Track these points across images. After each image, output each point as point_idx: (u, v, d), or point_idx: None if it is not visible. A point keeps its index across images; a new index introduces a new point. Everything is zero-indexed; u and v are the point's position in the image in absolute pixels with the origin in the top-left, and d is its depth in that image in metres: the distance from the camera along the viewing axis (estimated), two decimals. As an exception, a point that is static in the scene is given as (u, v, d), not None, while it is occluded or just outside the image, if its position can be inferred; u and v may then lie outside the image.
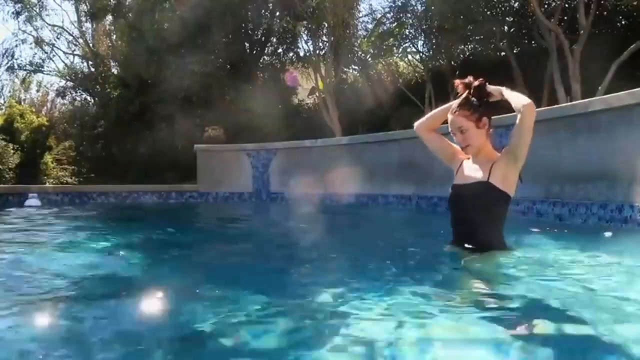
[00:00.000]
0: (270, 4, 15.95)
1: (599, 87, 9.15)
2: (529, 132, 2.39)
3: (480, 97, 2.50)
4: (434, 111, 2.80)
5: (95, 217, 6.92)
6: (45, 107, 22.19)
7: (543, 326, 1.50)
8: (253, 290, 2.03)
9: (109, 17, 17.97)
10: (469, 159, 2.62)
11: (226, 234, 4.98)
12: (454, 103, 2.56)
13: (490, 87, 2.49)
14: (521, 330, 1.46)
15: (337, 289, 1.98)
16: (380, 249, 3.34)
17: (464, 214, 2.53)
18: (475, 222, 2.48)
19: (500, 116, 5.89)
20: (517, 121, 2.39)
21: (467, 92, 2.54)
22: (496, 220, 2.49)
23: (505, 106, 2.55)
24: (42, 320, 1.67)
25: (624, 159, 4.17)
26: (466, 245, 2.49)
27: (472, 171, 2.54)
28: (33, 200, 8.20)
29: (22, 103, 20.72)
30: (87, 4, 18.04)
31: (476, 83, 2.52)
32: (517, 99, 2.41)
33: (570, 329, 1.49)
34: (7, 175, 14.58)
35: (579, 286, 2.03)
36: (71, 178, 16.80)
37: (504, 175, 2.42)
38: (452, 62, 13.31)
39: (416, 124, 2.84)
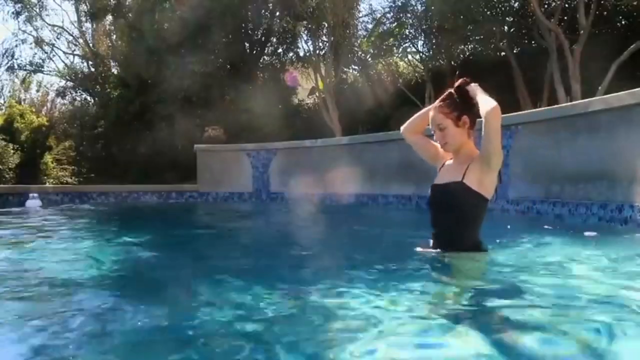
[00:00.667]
0: (270, 4, 15.96)
1: (599, 87, 9.15)
2: (496, 137, 2.34)
3: (461, 96, 2.49)
4: (417, 114, 2.80)
5: (95, 217, 6.92)
6: (45, 107, 22.18)
7: (512, 326, 1.52)
8: (252, 289, 2.03)
9: (109, 17, 17.97)
10: (451, 159, 2.61)
11: (226, 233, 4.98)
12: (436, 102, 2.57)
13: (470, 86, 2.47)
14: (491, 328, 1.48)
15: (334, 289, 1.98)
16: (371, 247, 3.34)
17: (440, 214, 2.53)
18: (451, 223, 2.46)
19: (502, 116, 5.90)
20: (483, 127, 2.35)
21: (449, 90, 2.54)
22: (472, 221, 2.47)
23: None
24: (42, 319, 1.67)
25: (624, 159, 4.17)
26: (442, 246, 2.50)
27: (449, 171, 2.53)
28: (34, 201, 8.20)
29: (22, 103, 20.71)
30: (87, 4, 18.05)
31: (458, 82, 2.53)
32: (484, 103, 2.36)
33: (532, 330, 1.49)
34: (7, 175, 14.57)
35: (549, 287, 2.04)
36: (71, 178, 16.80)
37: (479, 179, 2.39)
38: (452, 62, 13.31)
39: (402, 127, 2.84)
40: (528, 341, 1.35)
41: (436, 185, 2.57)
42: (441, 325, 1.50)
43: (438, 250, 2.51)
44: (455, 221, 2.45)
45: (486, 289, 2.07)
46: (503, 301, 1.85)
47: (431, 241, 2.58)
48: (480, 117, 2.41)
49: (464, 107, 2.48)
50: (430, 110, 2.55)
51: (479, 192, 2.40)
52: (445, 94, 2.54)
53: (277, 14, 16.04)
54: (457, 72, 12.74)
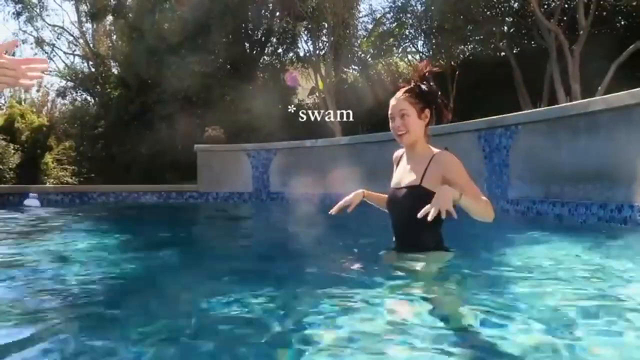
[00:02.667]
0: (270, 4, 15.97)
1: (599, 87, 9.16)
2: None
3: (426, 89, 2.47)
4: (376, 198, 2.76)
5: (95, 217, 6.92)
6: (45, 107, 22.18)
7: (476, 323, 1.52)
8: (251, 288, 2.04)
9: (109, 17, 17.99)
10: (401, 156, 2.60)
11: (225, 233, 4.98)
12: (399, 93, 2.49)
13: (446, 189, 2.20)
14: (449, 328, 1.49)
15: (333, 289, 1.99)
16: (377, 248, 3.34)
17: (399, 217, 2.51)
18: (410, 225, 2.38)
19: (502, 116, 5.90)
20: (464, 200, 2.22)
21: (415, 81, 2.52)
22: (432, 222, 2.34)
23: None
24: (41, 319, 1.67)
25: (624, 159, 4.17)
26: (404, 248, 2.49)
27: (405, 173, 2.50)
28: (32, 200, 8.20)
29: (23, 103, 20.71)
30: (88, 4, 18.07)
31: (423, 72, 2.53)
32: (478, 209, 2.28)
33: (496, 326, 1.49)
34: (7, 175, 14.58)
35: (511, 285, 2.06)
36: (71, 178, 16.80)
37: (437, 182, 2.34)
38: (452, 62, 13.31)
39: (363, 192, 2.77)
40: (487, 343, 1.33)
41: (393, 189, 2.55)
42: (401, 330, 1.48)
43: (399, 252, 2.51)
44: (415, 223, 2.28)
45: (445, 289, 2.06)
46: (458, 302, 1.84)
47: (393, 244, 2.58)
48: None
49: (429, 100, 2.47)
50: (392, 100, 2.50)
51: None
52: (411, 85, 2.50)
53: (277, 14, 16.05)
54: (457, 73, 12.77)
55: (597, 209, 4.33)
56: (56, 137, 18.21)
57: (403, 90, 2.49)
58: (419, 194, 2.34)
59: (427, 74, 2.52)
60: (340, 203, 2.70)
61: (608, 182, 4.29)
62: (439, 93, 2.53)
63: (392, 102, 2.49)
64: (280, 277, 2.38)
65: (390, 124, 2.49)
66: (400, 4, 13.18)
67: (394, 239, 2.58)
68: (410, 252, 2.46)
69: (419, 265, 2.37)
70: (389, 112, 2.49)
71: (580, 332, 1.42)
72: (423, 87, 2.47)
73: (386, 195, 2.68)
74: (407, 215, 2.37)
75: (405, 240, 2.51)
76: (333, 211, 2.68)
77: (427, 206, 2.09)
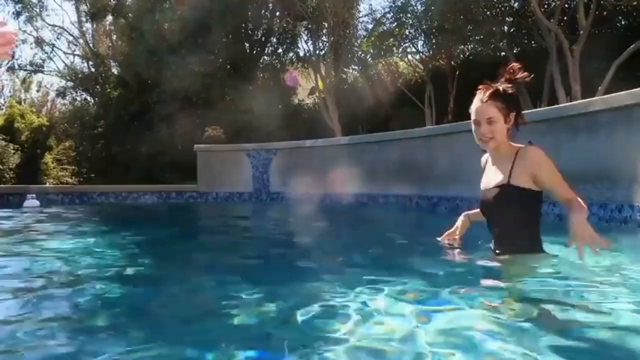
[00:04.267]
0: (270, 4, 15.98)
1: (599, 87, 9.15)
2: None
3: (511, 93, 2.35)
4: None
5: (95, 217, 6.92)
6: (45, 107, 22.22)
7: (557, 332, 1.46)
8: (250, 288, 2.03)
9: (109, 17, 18.01)
10: (487, 162, 2.54)
11: (225, 233, 4.98)
12: (483, 93, 2.36)
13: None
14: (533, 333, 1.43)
15: (335, 289, 1.98)
16: (376, 248, 3.34)
17: (492, 219, 2.46)
18: (504, 226, 2.39)
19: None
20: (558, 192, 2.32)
21: (503, 83, 2.37)
22: (527, 221, 2.37)
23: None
24: (41, 319, 1.67)
25: (624, 159, 4.17)
26: (501, 250, 2.40)
27: (493, 174, 2.44)
28: (32, 202, 8.20)
29: (23, 103, 20.74)
30: (87, 4, 18.08)
31: (511, 77, 2.38)
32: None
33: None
34: (7, 175, 14.59)
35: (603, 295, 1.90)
36: (71, 178, 16.83)
37: (526, 177, 2.30)
38: (452, 62, 13.32)
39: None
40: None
41: (483, 192, 2.50)
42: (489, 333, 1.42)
43: (496, 252, 2.43)
44: (507, 222, 2.36)
45: (539, 296, 1.87)
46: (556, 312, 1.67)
47: (492, 243, 2.51)
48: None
49: (514, 104, 2.37)
50: (476, 101, 2.37)
51: (529, 189, 2.31)
52: (493, 88, 2.35)
53: (277, 14, 16.06)
54: (457, 73, 12.77)
55: (597, 209, 4.32)
56: (56, 137, 18.24)
57: (488, 93, 2.34)
58: (508, 193, 2.31)
59: (517, 79, 2.41)
60: (450, 234, 2.74)
61: (608, 182, 4.28)
62: (517, 98, 2.42)
63: (477, 104, 2.37)
64: (279, 275, 2.37)
65: (474, 128, 2.38)
66: (400, 4, 13.18)
67: (492, 243, 2.51)
68: (506, 253, 2.37)
69: (507, 267, 2.31)
70: (473, 116, 2.38)
71: None
72: (509, 90, 2.35)
73: None
74: (499, 216, 2.38)
75: (502, 241, 2.43)
76: (444, 240, 2.73)
77: (575, 243, 2.02)
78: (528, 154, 2.33)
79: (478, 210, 2.73)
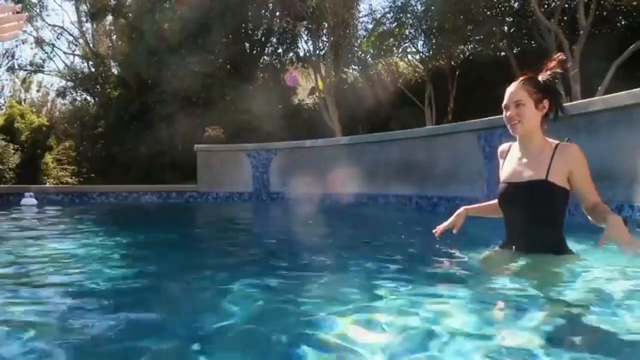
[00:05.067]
0: (270, 4, 15.98)
1: (599, 88, 9.15)
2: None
3: (549, 82, 2.29)
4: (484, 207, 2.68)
5: (95, 217, 6.91)
6: (45, 107, 22.22)
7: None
8: (250, 288, 2.03)
9: (109, 17, 18.01)
10: (510, 148, 2.44)
11: (225, 233, 4.97)
12: (517, 82, 2.30)
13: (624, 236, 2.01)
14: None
15: (335, 289, 1.98)
16: (376, 248, 3.34)
17: (520, 215, 2.31)
18: (534, 223, 2.27)
19: (502, 116, 5.90)
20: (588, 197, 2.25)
21: (544, 73, 2.32)
22: (557, 219, 2.29)
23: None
24: (41, 319, 1.67)
25: (624, 159, 4.17)
26: (523, 248, 2.31)
27: (524, 166, 2.30)
28: (29, 200, 8.21)
29: (23, 103, 20.74)
30: (87, 4, 18.08)
31: (552, 63, 2.31)
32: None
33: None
34: (7, 175, 14.59)
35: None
36: (71, 178, 16.82)
37: (562, 175, 2.24)
38: (452, 62, 13.32)
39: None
40: None
41: (509, 185, 2.34)
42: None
43: (516, 250, 2.33)
44: (538, 220, 2.25)
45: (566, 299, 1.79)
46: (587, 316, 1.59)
47: (505, 241, 2.41)
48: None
49: (549, 91, 2.29)
50: (509, 88, 2.30)
51: (564, 187, 2.24)
52: (530, 74, 2.30)
53: (277, 14, 16.06)
54: (457, 73, 12.77)
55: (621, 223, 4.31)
56: (56, 137, 18.23)
57: (522, 78, 2.30)
58: (545, 189, 2.20)
59: (558, 72, 2.31)
60: (445, 225, 2.61)
61: (608, 182, 4.28)
62: (558, 91, 2.34)
63: (509, 89, 2.30)
64: (279, 274, 2.37)
65: (504, 113, 2.32)
66: (400, 4, 13.18)
67: (506, 238, 2.40)
68: (531, 252, 2.28)
69: (533, 265, 2.22)
70: (504, 101, 2.31)
71: None
72: (545, 77, 2.29)
73: (490, 203, 2.58)
74: (531, 212, 2.25)
75: (527, 239, 2.29)
76: (437, 233, 2.60)
77: (618, 246, 1.97)
78: (569, 150, 2.27)
79: (479, 205, 2.69)
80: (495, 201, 2.49)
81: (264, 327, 1.53)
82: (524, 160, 2.32)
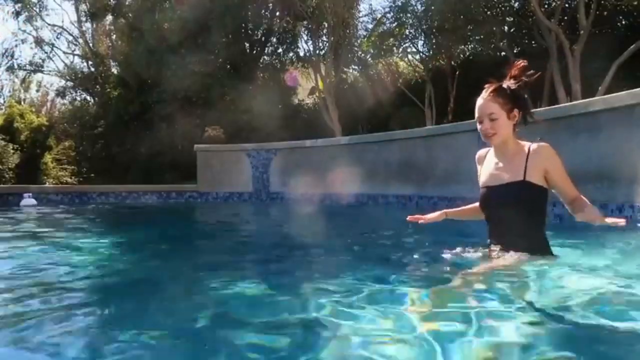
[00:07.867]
0: (270, 4, 15.97)
1: (599, 87, 9.15)
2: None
3: (515, 90, 2.35)
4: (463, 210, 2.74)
5: (95, 217, 6.91)
6: (45, 107, 22.22)
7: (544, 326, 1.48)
8: (250, 287, 2.03)
9: (109, 17, 18.00)
10: (485, 157, 2.52)
11: (225, 233, 4.97)
12: (485, 90, 2.39)
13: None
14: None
15: (335, 289, 1.98)
16: (376, 248, 3.34)
17: (503, 215, 2.40)
18: (517, 222, 2.36)
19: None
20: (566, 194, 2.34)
21: (502, 83, 2.38)
22: (537, 219, 2.38)
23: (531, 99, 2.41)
24: (41, 319, 1.67)
25: (624, 159, 4.17)
26: (506, 246, 2.36)
27: (502, 170, 2.41)
28: (28, 200, 8.21)
29: (22, 103, 20.73)
30: (87, 3, 18.06)
31: (515, 71, 2.38)
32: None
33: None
34: (7, 175, 14.58)
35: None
36: (71, 178, 16.81)
37: (539, 175, 2.32)
38: (452, 62, 13.32)
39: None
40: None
41: (491, 188, 2.44)
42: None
43: (498, 249, 2.39)
44: (520, 219, 2.34)
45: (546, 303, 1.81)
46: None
47: (489, 242, 2.47)
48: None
49: (517, 100, 2.36)
50: (479, 99, 2.39)
51: (542, 185, 2.32)
52: (496, 85, 2.38)
53: (277, 14, 16.05)
54: (457, 73, 12.76)
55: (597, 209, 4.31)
56: (56, 137, 18.22)
57: (490, 90, 2.37)
58: (524, 189, 2.31)
59: (523, 77, 2.38)
60: (422, 219, 2.69)
61: (608, 182, 4.28)
62: (526, 96, 2.40)
63: (479, 102, 2.39)
64: (279, 274, 2.37)
65: (478, 126, 2.40)
66: (400, 4, 13.18)
67: (489, 239, 2.47)
68: (513, 251, 2.34)
69: (516, 263, 2.27)
70: (476, 113, 2.40)
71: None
72: (512, 87, 2.35)
73: (469, 206, 2.66)
74: (511, 213, 2.35)
75: (508, 239, 2.38)
76: (409, 219, 2.69)
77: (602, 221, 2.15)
78: (542, 149, 2.36)
79: (459, 209, 2.75)
80: (476, 204, 2.58)
81: (263, 326, 1.53)
82: (501, 164, 2.43)
